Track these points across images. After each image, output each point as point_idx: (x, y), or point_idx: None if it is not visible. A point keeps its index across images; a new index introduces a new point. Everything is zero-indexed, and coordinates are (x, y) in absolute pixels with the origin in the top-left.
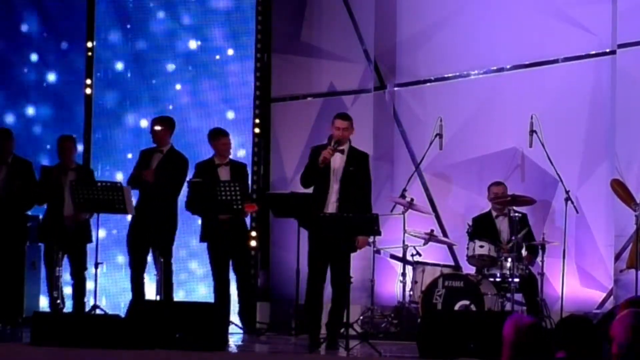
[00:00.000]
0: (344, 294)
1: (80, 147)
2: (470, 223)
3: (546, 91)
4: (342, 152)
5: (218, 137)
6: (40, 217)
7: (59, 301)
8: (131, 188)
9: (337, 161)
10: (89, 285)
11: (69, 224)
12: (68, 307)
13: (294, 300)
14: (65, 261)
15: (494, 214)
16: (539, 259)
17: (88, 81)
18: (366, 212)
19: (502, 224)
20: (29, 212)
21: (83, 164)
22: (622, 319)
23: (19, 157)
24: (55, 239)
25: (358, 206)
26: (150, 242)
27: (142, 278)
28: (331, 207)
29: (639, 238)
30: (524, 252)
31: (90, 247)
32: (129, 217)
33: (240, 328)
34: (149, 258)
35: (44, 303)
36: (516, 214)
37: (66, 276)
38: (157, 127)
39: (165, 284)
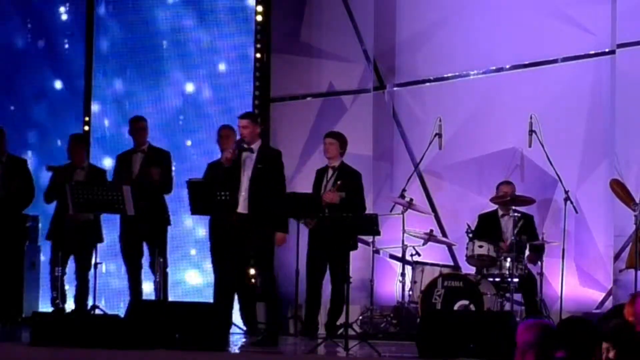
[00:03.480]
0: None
1: None
2: (470, 224)
3: (545, 91)
4: (251, 150)
5: None
6: (41, 216)
7: (58, 301)
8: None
9: (247, 160)
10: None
11: (71, 224)
12: (69, 306)
13: (294, 301)
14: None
15: (500, 212)
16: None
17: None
18: (278, 209)
19: (507, 224)
20: (29, 212)
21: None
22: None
23: (13, 156)
24: (60, 239)
25: (270, 204)
26: (142, 239)
27: (140, 277)
28: (242, 205)
29: (638, 238)
30: (527, 252)
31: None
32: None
33: (241, 329)
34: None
35: (43, 303)
36: (516, 214)
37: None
38: (142, 126)
39: (162, 282)
